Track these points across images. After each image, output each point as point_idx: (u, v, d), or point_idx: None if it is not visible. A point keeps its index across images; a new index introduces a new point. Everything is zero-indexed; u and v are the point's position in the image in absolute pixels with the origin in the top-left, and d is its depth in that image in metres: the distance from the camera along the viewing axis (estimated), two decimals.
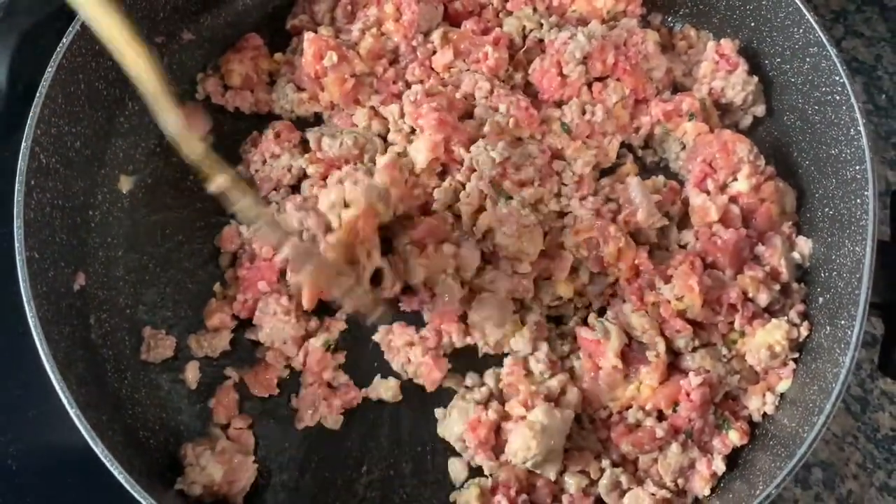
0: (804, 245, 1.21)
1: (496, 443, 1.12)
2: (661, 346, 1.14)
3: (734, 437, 1.13)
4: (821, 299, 1.16)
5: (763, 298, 1.17)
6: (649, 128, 1.29)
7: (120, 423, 1.12)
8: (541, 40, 1.31)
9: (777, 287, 1.18)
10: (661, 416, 1.15)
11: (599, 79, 1.30)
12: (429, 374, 1.18)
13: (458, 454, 1.16)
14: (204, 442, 1.14)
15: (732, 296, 1.16)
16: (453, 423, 1.15)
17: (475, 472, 1.15)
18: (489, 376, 1.17)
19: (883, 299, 1.08)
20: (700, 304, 1.14)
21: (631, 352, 1.15)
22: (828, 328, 1.11)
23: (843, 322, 1.07)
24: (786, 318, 1.16)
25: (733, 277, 1.18)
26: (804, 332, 1.15)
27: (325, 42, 1.25)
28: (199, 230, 1.28)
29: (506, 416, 1.13)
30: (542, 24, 1.32)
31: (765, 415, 1.15)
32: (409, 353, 1.19)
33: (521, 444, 1.08)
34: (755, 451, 1.14)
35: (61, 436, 1.22)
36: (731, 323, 1.17)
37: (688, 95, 1.28)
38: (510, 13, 1.34)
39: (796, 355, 1.15)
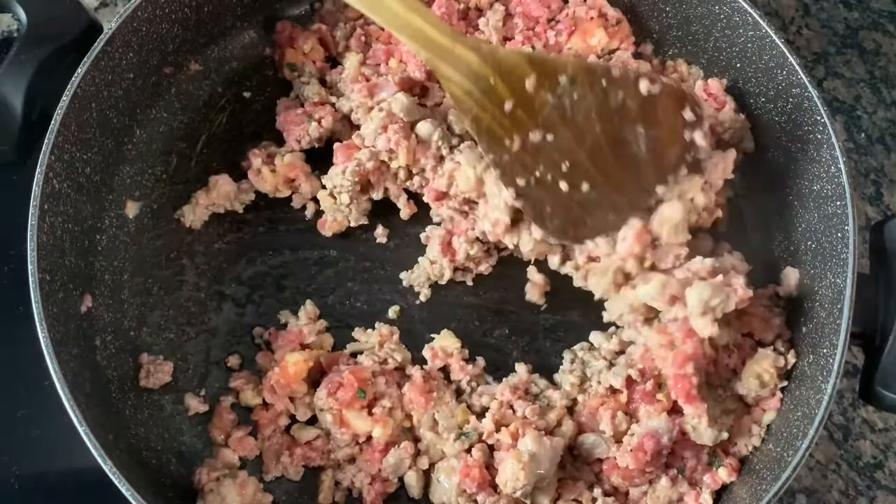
0: (791, 275, 1.23)
1: (491, 477, 1.13)
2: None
3: (723, 473, 1.14)
4: (804, 329, 1.19)
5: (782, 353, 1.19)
6: None
7: (124, 442, 1.14)
8: None
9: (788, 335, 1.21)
10: None
11: None
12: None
13: None
14: (219, 466, 1.16)
15: (730, 363, 1.18)
16: (445, 484, 1.14)
17: None
18: (470, 429, 1.16)
19: (863, 329, 1.11)
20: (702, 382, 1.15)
21: (633, 392, 1.16)
22: (811, 357, 1.15)
23: (825, 350, 1.10)
24: (772, 347, 1.19)
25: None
26: (791, 359, 1.17)
27: None
28: (202, 255, 1.30)
29: (494, 449, 1.15)
30: None
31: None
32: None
33: (511, 475, 1.08)
34: (741, 475, 1.16)
35: (65, 455, 1.25)
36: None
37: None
38: None
39: (784, 384, 1.16)
